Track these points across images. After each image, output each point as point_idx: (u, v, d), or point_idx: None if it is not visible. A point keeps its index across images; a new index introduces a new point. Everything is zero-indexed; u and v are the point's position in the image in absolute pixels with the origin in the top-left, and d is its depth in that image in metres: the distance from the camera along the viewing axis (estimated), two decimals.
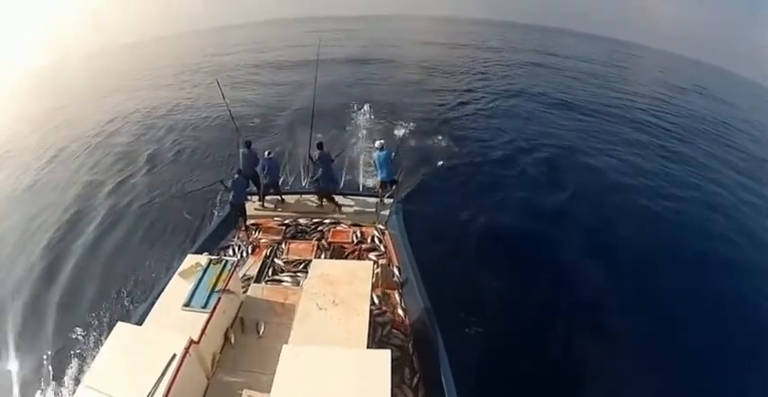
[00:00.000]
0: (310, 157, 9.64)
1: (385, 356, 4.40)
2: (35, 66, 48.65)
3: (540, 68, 38.43)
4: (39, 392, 7.49)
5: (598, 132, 21.88)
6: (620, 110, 26.89)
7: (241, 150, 9.95)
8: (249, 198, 9.69)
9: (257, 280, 7.46)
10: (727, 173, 18.75)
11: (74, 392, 5.30)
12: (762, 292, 10.43)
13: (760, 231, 13.65)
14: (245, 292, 6.70)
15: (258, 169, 9.73)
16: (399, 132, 18.10)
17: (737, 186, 17.40)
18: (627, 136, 21.72)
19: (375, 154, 9.70)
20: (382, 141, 9.78)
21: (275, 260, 8.10)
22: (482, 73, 33.95)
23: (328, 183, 9.63)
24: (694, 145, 22.16)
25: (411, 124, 19.74)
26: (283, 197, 10.24)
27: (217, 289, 5.59)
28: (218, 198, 12.25)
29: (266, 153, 9.66)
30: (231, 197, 8.97)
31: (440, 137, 18.46)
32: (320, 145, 9.52)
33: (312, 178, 9.80)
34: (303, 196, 10.25)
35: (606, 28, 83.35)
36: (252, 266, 7.94)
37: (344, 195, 10.22)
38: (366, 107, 19.13)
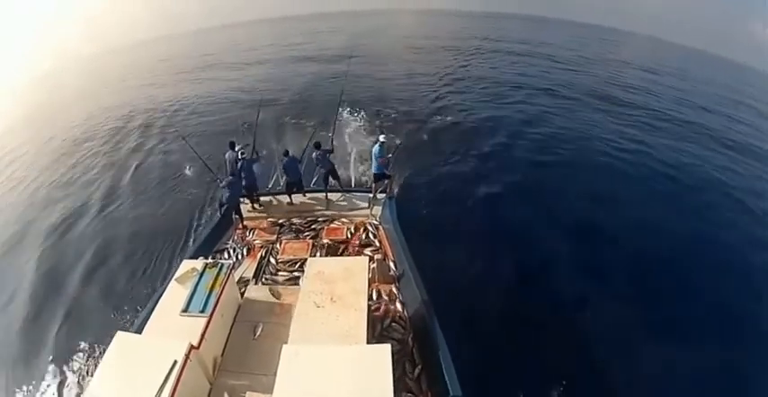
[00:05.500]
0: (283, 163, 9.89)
1: (385, 350, 4.42)
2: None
3: (527, 58, 38.63)
4: None
5: (590, 119, 22.06)
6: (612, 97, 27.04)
7: (226, 153, 9.81)
8: (241, 200, 9.67)
9: (254, 282, 7.47)
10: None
11: None
12: None
13: None
14: (242, 294, 6.71)
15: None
16: (389, 128, 18.05)
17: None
18: (622, 124, 21.82)
19: (374, 148, 9.76)
20: (384, 136, 9.95)
21: (271, 260, 8.11)
22: (469, 65, 34.15)
23: (294, 184, 10.03)
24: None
25: (401, 119, 19.88)
26: (273, 197, 10.24)
27: (214, 293, 5.60)
28: (209, 202, 12.23)
29: (239, 154, 9.53)
30: (224, 197, 8.96)
31: (429, 131, 18.55)
32: (286, 153, 9.81)
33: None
34: (294, 196, 10.24)
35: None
36: (248, 268, 7.93)
37: (337, 192, 10.24)
38: (354, 105, 19.12)
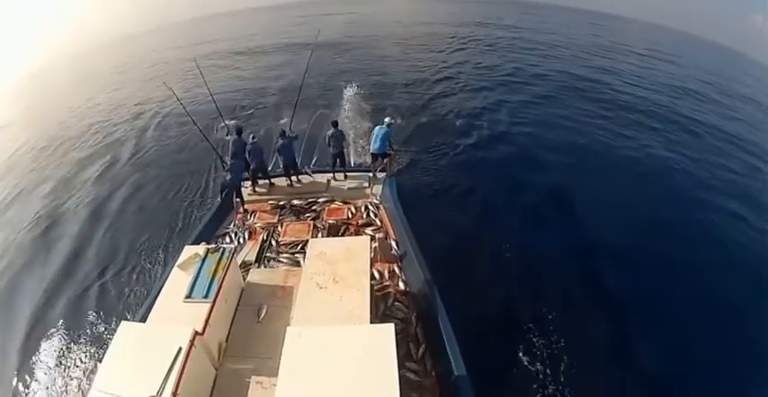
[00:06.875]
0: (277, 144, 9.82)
1: (388, 330, 4.38)
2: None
3: (524, 43, 37.92)
4: None
5: (579, 103, 21.75)
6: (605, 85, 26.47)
7: (231, 137, 9.87)
8: (242, 183, 9.62)
9: (256, 265, 7.47)
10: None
11: None
12: None
13: None
14: (245, 278, 6.71)
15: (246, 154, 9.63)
16: (389, 107, 17.91)
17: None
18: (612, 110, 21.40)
19: (376, 129, 9.78)
20: (390, 118, 10.03)
21: (272, 242, 8.10)
22: (468, 49, 33.92)
23: (289, 166, 9.94)
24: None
25: (399, 99, 19.78)
26: (274, 179, 10.18)
27: (216, 278, 5.58)
28: (210, 186, 12.16)
29: (250, 137, 9.64)
30: (227, 179, 8.95)
31: (428, 111, 18.47)
32: (282, 134, 9.70)
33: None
34: (294, 177, 10.16)
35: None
36: (250, 251, 7.92)
37: (337, 172, 10.15)
38: (354, 86, 18.90)
